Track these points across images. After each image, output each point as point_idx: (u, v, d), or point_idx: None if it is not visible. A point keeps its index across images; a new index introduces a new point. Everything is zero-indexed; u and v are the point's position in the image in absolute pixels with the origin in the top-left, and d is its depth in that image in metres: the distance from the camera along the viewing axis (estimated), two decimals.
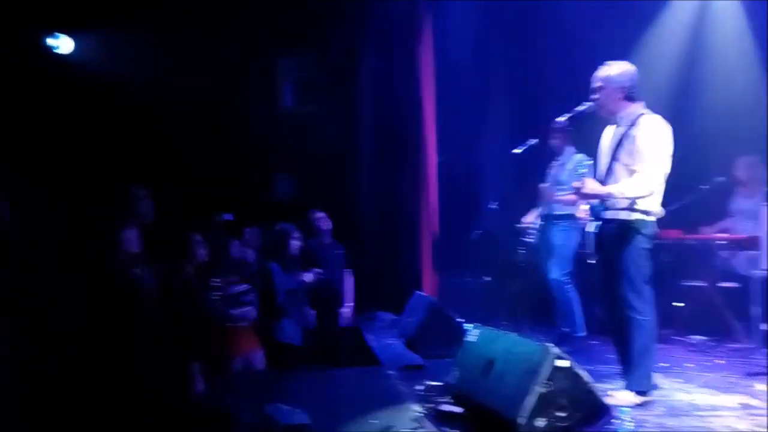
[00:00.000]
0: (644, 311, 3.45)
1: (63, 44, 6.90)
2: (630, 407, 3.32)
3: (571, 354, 3.35)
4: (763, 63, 6.04)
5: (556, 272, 5.16)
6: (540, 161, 5.36)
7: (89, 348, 3.41)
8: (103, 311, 3.61)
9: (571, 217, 5.03)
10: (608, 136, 3.69)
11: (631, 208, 3.46)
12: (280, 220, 5.45)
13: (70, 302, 3.45)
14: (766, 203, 4.90)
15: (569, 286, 5.14)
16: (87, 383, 3.29)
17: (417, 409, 3.29)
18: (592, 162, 3.71)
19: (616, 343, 3.67)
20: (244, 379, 4.34)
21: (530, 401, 2.65)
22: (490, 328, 3.53)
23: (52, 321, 3.33)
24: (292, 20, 6.95)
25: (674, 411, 3.36)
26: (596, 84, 3.59)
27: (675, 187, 3.71)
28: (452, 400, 3.32)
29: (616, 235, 3.51)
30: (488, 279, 6.63)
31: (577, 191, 3.49)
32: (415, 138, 6.88)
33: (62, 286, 3.46)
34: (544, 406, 2.64)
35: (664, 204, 3.57)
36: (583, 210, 3.76)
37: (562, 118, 3.84)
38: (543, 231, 5.31)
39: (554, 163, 5.32)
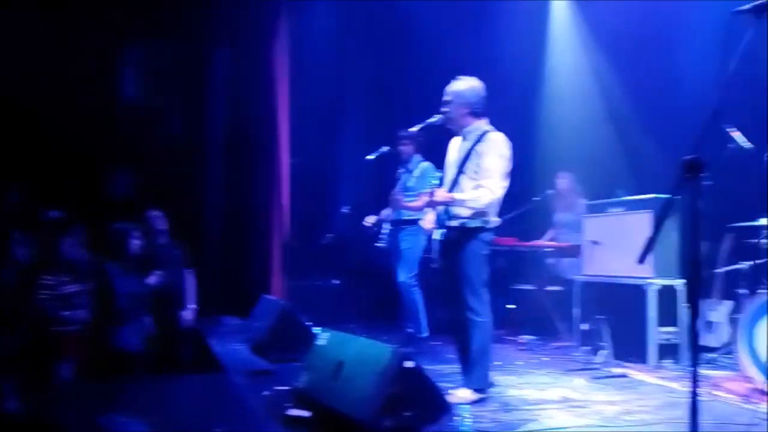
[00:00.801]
0: (482, 313, 3.68)
1: None
2: (469, 404, 3.52)
3: (416, 355, 3.50)
4: (598, 77, 6.75)
5: (404, 275, 5.36)
6: (393, 167, 5.54)
7: None
8: None
9: (417, 222, 5.26)
10: (455, 148, 3.90)
11: (472, 217, 3.69)
12: (119, 218, 5.11)
13: None
14: (585, 215, 5.48)
15: (415, 288, 5.36)
16: None
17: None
18: (441, 173, 3.90)
19: (456, 343, 3.88)
20: (75, 387, 4.00)
21: (378, 402, 2.72)
22: (339, 331, 3.56)
23: None
24: (141, 8, 6.54)
25: (507, 406, 3.61)
26: (446, 98, 3.79)
27: (510, 198, 4.00)
28: (300, 405, 3.31)
29: (458, 241, 3.72)
30: (337, 282, 6.71)
31: (429, 199, 3.66)
32: (267, 138, 6.79)
33: None
34: (391, 406, 2.72)
35: (500, 214, 3.85)
36: (429, 219, 3.94)
37: (413, 129, 4.00)
38: (392, 235, 5.51)
39: (402, 170, 5.54)
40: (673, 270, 4.76)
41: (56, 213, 5.12)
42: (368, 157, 5.40)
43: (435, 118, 3.84)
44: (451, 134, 3.94)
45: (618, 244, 5.00)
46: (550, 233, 6.32)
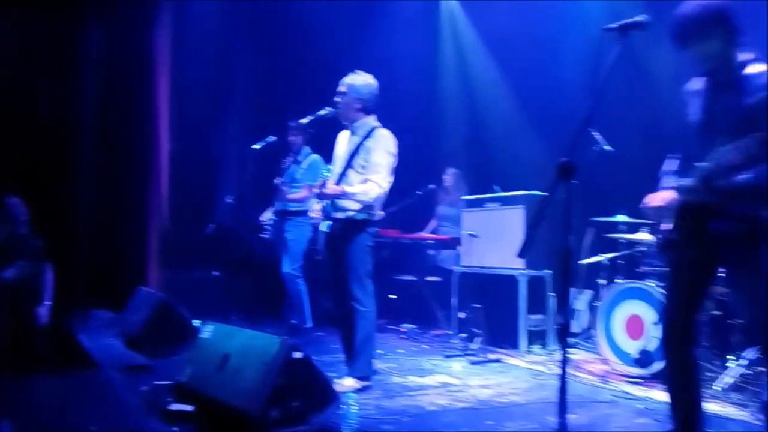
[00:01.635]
0: (367, 303, 3.78)
1: None
2: (354, 392, 3.61)
3: (301, 345, 3.52)
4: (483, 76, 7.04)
5: (288, 266, 5.35)
6: (278, 158, 5.50)
7: None
8: None
9: (303, 213, 5.27)
10: (343, 142, 3.96)
11: (359, 210, 3.77)
12: None
13: None
14: (465, 210, 5.74)
15: (300, 279, 5.37)
16: None
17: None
18: (331, 166, 3.94)
19: (341, 333, 3.95)
20: None
21: (265, 393, 2.72)
22: (224, 323, 3.51)
23: None
24: None
25: (390, 393, 3.74)
26: (341, 88, 3.83)
27: (394, 192, 4.12)
28: (182, 399, 3.23)
29: (345, 233, 3.79)
30: (217, 274, 6.55)
31: (319, 192, 3.69)
32: (145, 123, 6.46)
33: None
34: (278, 397, 2.73)
35: (384, 207, 3.97)
36: (316, 210, 3.97)
37: (304, 120, 4.00)
38: (277, 226, 5.47)
39: (289, 161, 5.51)
40: (542, 262, 5.13)
41: None
42: (254, 146, 5.33)
43: (326, 111, 3.87)
44: (339, 128, 4.00)
45: (493, 237, 5.31)
46: (431, 225, 6.56)
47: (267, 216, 5.56)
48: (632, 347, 4.20)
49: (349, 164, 3.81)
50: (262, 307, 6.01)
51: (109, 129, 6.47)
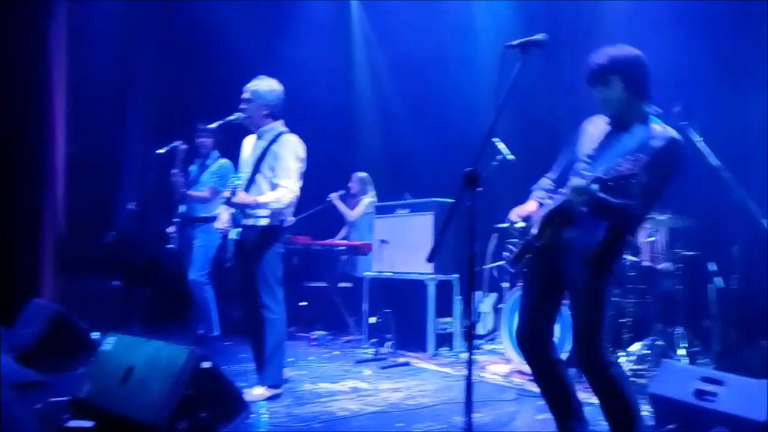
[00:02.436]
0: (276, 311, 3.74)
1: None
2: (264, 401, 3.57)
3: (209, 355, 3.44)
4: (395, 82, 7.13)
5: (195, 273, 5.20)
6: (184, 163, 5.34)
7: None
8: None
9: (211, 219, 5.15)
10: (249, 147, 3.91)
11: (269, 217, 3.73)
12: None
13: None
14: (375, 216, 5.82)
15: (207, 287, 5.24)
16: None
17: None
18: (240, 173, 3.88)
19: (251, 342, 3.89)
20: None
21: (172, 404, 2.64)
22: (127, 335, 3.36)
23: None
24: None
25: (300, 400, 3.73)
26: (245, 95, 3.78)
27: (306, 198, 4.12)
28: (81, 415, 3.07)
29: (255, 240, 3.75)
30: (118, 283, 6.26)
31: (228, 200, 3.62)
32: (40, 124, 6.08)
33: None
34: (186, 408, 2.66)
35: (295, 213, 3.95)
36: (223, 218, 3.89)
37: (213, 124, 3.92)
38: (183, 232, 5.31)
39: (196, 165, 5.38)
40: (450, 266, 5.28)
41: None
42: (159, 150, 5.17)
43: (236, 116, 3.81)
44: (246, 134, 3.95)
45: (403, 242, 5.41)
46: (343, 232, 6.58)
47: (172, 228, 5.40)
48: None
49: (257, 170, 3.77)
50: (167, 317, 5.81)
51: None
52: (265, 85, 3.79)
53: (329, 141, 6.83)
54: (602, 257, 2.50)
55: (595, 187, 2.35)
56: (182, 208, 5.32)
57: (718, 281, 4.35)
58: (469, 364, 2.25)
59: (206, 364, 2.77)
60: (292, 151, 3.77)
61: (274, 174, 3.73)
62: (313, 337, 5.80)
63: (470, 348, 2.28)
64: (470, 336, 2.28)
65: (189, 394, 2.68)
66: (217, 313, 5.31)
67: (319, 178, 4.87)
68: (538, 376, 2.75)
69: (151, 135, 6.38)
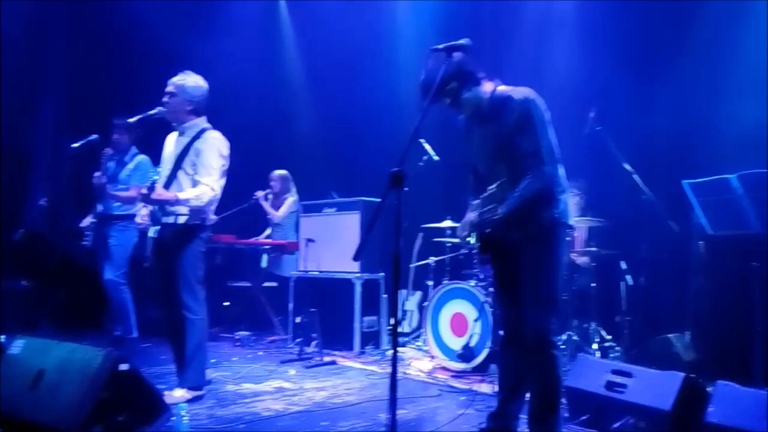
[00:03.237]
0: (197, 311, 3.65)
1: None
2: (185, 403, 3.46)
3: (128, 357, 3.32)
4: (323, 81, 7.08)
5: (111, 273, 5.00)
6: (99, 158, 5.11)
7: None
8: None
9: (128, 217, 4.97)
10: (171, 143, 3.80)
11: (189, 214, 3.64)
12: None
13: None
14: (302, 215, 5.77)
15: (124, 287, 5.04)
16: None
17: None
18: (160, 169, 3.76)
19: (171, 343, 3.78)
20: None
21: (86, 409, 2.53)
22: (37, 338, 3.20)
23: None
24: None
25: (223, 401, 3.66)
26: (169, 89, 3.67)
27: (231, 196, 4.04)
28: None
29: (175, 239, 3.64)
30: (27, 284, 5.93)
31: (146, 196, 3.48)
32: None
33: None
34: (102, 412, 2.56)
35: (218, 211, 3.87)
36: (142, 215, 3.77)
37: (132, 119, 3.77)
38: (99, 231, 5.09)
39: (113, 161, 5.16)
40: (376, 265, 5.31)
41: None
42: (73, 145, 4.92)
43: (157, 110, 3.69)
44: (168, 129, 3.83)
45: (330, 241, 5.40)
46: (267, 231, 6.49)
47: (88, 221, 5.15)
48: (457, 344, 4.51)
49: (178, 166, 3.67)
50: (81, 318, 5.55)
51: None
52: (191, 81, 3.69)
53: (254, 139, 6.73)
54: (543, 234, 2.65)
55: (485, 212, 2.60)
56: (98, 207, 5.10)
57: (629, 279, 4.59)
58: (394, 361, 2.28)
59: (124, 366, 2.68)
60: (215, 148, 3.68)
61: (196, 171, 3.64)
62: (237, 337, 5.69)
63: (395, 345, 2.30)
64: (395, 334, 2.31)
65: (105, 398, 2.58)
66: (135, 314, 5.13)
67: (244, 176, 4.78)
68: (505, 363, 2.94)
69: (63, 128, 6.07)
